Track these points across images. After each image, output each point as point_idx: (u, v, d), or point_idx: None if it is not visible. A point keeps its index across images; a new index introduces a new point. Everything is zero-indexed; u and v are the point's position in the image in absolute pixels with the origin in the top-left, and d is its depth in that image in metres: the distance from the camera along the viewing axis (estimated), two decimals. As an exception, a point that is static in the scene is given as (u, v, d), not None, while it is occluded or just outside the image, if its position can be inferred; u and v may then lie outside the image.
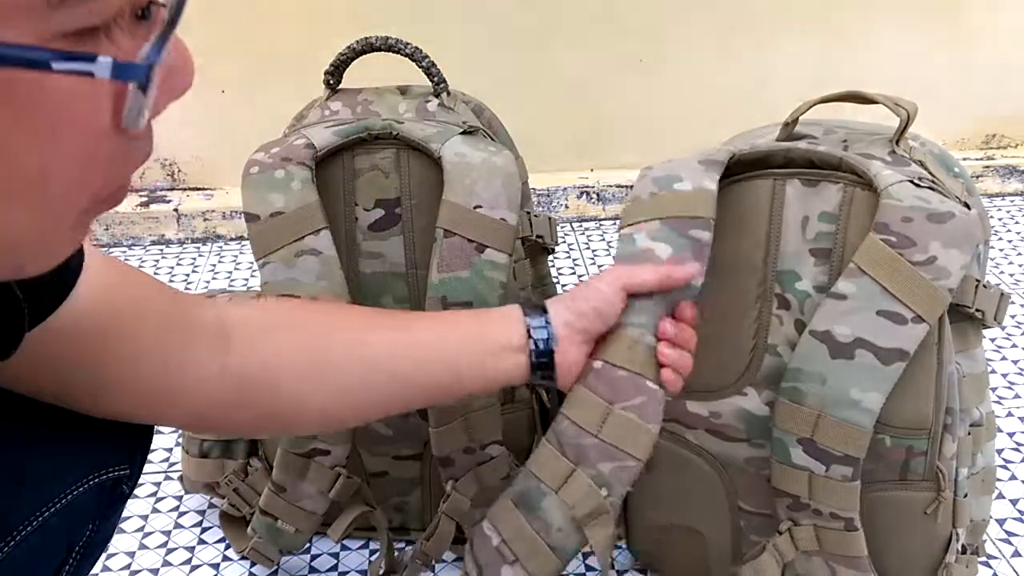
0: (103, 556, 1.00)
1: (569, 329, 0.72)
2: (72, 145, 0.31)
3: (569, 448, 0.73)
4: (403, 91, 0.99)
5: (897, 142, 0.81)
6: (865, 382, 0.72)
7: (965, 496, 0.80)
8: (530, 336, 0.71)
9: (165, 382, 0.58)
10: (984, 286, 0.78)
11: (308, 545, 1.01)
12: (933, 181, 0.77)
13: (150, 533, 1.04)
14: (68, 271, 0.51)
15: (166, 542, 1.03)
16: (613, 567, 0.78)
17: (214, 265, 1.69)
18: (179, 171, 1.80)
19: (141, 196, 1.78)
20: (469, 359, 0.71)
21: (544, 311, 0.72)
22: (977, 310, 0.77)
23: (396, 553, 0.94)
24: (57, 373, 0.52)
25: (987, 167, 1.88)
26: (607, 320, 0.73)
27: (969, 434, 0.81)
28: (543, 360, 0.71)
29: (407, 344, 0.70)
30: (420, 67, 0.96)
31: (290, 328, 0.67)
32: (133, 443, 0.57)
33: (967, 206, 0.77)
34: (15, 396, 0.50)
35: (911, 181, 0.75)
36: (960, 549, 0.81)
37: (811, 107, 0.84)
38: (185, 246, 1.76)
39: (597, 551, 0.73)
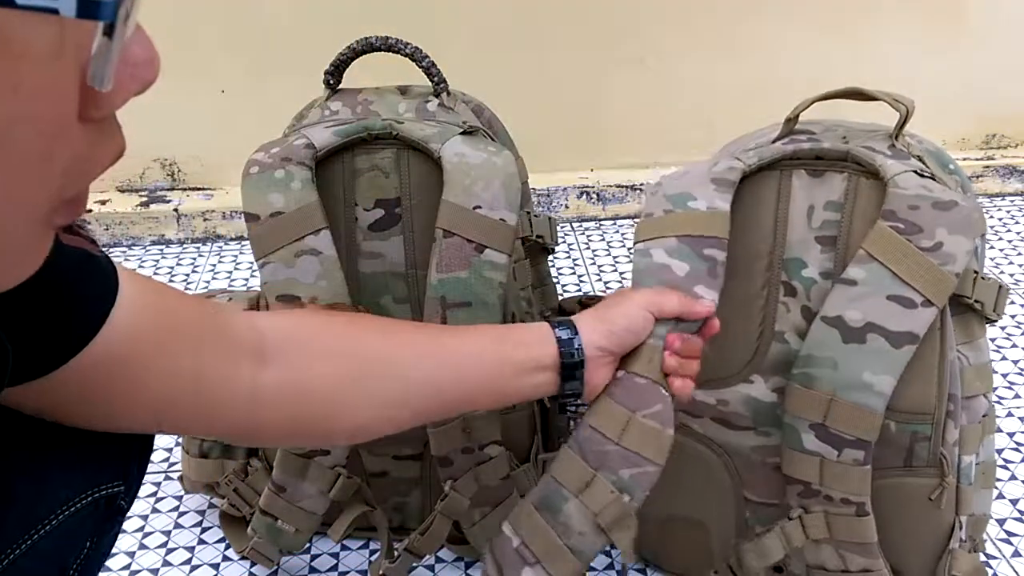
0: (103, 556, 1.00)
1: (600, 351, 0.73)
2: (36, 106, 0.30)
3: (591, 455, 0.75)
4: (403, 91, 0.99)
5: (896, 137, 0.83)
6: (876, 365, 0.73)
7: (970, 484, 0.81)
8: (562, 357, 0.72)
9: (201, 399, 0.58)
10: (983, 278, 0.79)
11: (308, 545, 1.01)
12: (932, 173, 0.79)
13: (150, 533, 1.04)
14: (94, 307, 0.50)
15: (166, 542, 1.03)
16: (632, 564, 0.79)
17: (214, 265, 1.69)
18: (179, 171, 1.80)
19: (141, 196, 1.78)
20: (502, 378, 0.72)
21: (574, 330, 0.73)
22: (976, 301, 0.79)
23: (396, 555, 0.94)
24: (73, 396, 0.51)
25: (987, 167, 1.88)
26: (636, 342, 0.74)
27: (979, 422, 0.82)
28: (573, 380, 0.73)
29: (443, 363, 0.70)
30: (420, 67, 0.96)
31: (326, 343, 0.66)
32: (127, 457, 0.56)
33: (962, 198, 0.78)
34: None
35: (914, 171, 0.77)
36: (962, 539, 0.81)
37: (812, 104, 0.85)
38: (185, 246, 1.76)
39: (623, 552, 0.75)
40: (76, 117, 0.31)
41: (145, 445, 0.58)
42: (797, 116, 0.86)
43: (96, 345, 0.50)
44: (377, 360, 0.68)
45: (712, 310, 0.76)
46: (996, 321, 0.82)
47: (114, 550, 1.01)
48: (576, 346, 0.72)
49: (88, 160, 0.33)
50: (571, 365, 0.72)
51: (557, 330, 0.73)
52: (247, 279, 1.63)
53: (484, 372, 0.71)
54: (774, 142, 0.86)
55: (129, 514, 1.06)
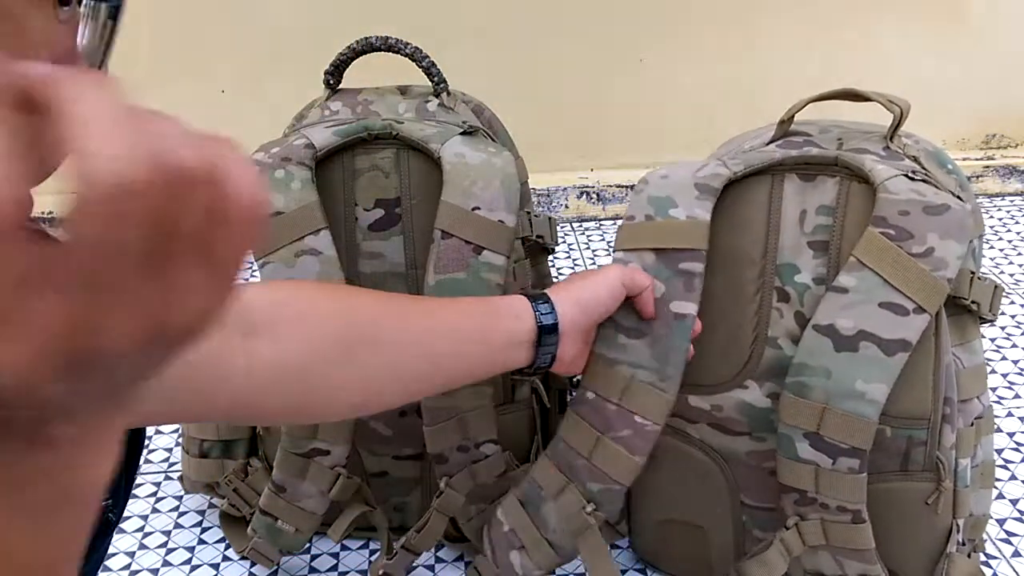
0: (103, 556, 1.01)
1: (575, 327, 0.76)
2: None
3: (564, 465, 0.82)
4: (403, 91, 0.99)
5: (891, 138, 0.83)
6: (869, 373, 0.73)
7: (966, 487, 0.80)
8: (539, 332, 0.74)
9: (192, 383, 0.56)
10: (979, 278, 0.79)
11: (308, 545, 1.01)
12: (927, 175, 0.79)
13: (150, 533, 1.04)
14: None
15: (166, 542, 1.03)
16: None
17: (214, 265, 1.69)
18: (179, 171, 1.79)
19: (141, 196, 1.78)
20: (483, 352, 0.73)
21: (551, 306, 0.75)
22: (973, 302, 0.79)
23: (395, 554, 0.94)
24: None
25: (987, 167, 1.88)
26: (607, 314, 0.79)
27: (972, 425, 0.82)
28: (547, 355, 0.75)
29: (428, 334, 0.71)
30: (420, 67, 0.96)
31: (319, 314, 0.65)
32: (115, 471, 0.55)
33: (960, 199, 0.78)
34: None
35: (905, 175, 0.77)
36: (960, 541, 0.81)
37: (806, 105, 0.85)
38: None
39: (585, 563, 0.81)
40: None
41: (132, 456, 0.57)
42: (792, 118, 0.86)
43: None
44: (371, 331, 0.67)
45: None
46: (993, 321, 0.82)
47: (114, 550, 1.01)
48: (553, 321, 0.74)
49: None
50: (547, 340, 0.74)
51: (535, 304, 0.74)
52: (247, 279, 1.63)
53: (467, 352, 0.72)
54: (768, 144, 0.86)
55: (129, 514, 1.07)
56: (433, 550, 0.99)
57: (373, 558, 1.00)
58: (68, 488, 0.27)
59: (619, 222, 0.85)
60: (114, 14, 0.30)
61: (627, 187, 1.80)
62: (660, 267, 0.81)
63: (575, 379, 1.04)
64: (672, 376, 0.79)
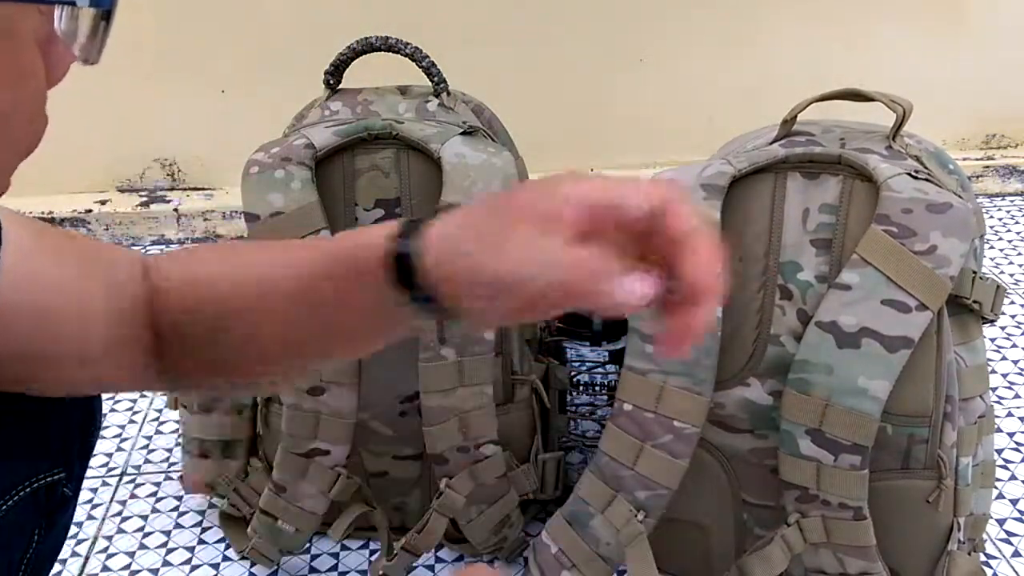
0: (103, 556, 1.00)
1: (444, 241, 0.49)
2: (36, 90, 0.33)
3: (609, 478, 0.84)
4: (403, 91, 0.99)
5: (893, 138, 0.83)
6: (872, 370, 0.74)
7: (967, 486, 0.81)
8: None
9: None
10: (980, 278, 0.79)
11: (308, 545, 1.01)
12: (929, 174, 0.79)
13: (150, 533, 1.04)
14: None
15: (166, 542, 1.03)
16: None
17: (214, 265, 1.69)
18: (179, 171, 1.80)
19: (141, 196, 1.78)
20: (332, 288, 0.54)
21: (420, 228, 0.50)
22: (975, 301, 0.79)
23: (395, 555, 0.94)
24: None
25: (987, 167, 1.88)
26: None
27: (975, 424, 0.82)
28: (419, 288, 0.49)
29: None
30: (420, 67, 0.96)
31: (216, 262, 0.58)
32: (67, 442, 0.53)
33: (961, 199, 0.78)
34: None
35: (908, 174, 0.77)
36: (960, 540, 0.81)
37: (809, 104, 0.85)
38: (185, 246, 1.76)
39: (630, 569, 0.83)
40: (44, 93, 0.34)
41: (86, 428, 0.55)
42: (795, 118, 0.86)
43: None
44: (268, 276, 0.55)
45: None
46: (994, 321, 0.82)
47: (114, 550, 1.01)
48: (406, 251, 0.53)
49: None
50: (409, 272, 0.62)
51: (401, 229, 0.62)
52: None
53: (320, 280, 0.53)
54: (771, 143, 0.86)
55: (129, 514, 1.07)
56: (433, 550, 0.99)
57: (373, 558, 1.00)
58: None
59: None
60: (106, 16, 0.31)
61: (627, 187, 1.79)
62: None
63: (575, 378, 1.05)
64: (705, 379, 0.81)
